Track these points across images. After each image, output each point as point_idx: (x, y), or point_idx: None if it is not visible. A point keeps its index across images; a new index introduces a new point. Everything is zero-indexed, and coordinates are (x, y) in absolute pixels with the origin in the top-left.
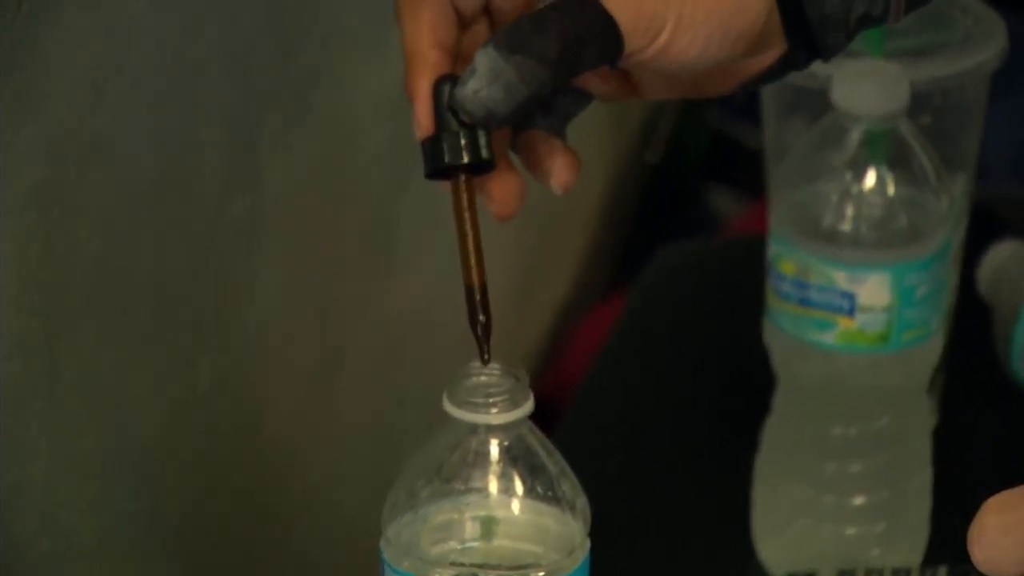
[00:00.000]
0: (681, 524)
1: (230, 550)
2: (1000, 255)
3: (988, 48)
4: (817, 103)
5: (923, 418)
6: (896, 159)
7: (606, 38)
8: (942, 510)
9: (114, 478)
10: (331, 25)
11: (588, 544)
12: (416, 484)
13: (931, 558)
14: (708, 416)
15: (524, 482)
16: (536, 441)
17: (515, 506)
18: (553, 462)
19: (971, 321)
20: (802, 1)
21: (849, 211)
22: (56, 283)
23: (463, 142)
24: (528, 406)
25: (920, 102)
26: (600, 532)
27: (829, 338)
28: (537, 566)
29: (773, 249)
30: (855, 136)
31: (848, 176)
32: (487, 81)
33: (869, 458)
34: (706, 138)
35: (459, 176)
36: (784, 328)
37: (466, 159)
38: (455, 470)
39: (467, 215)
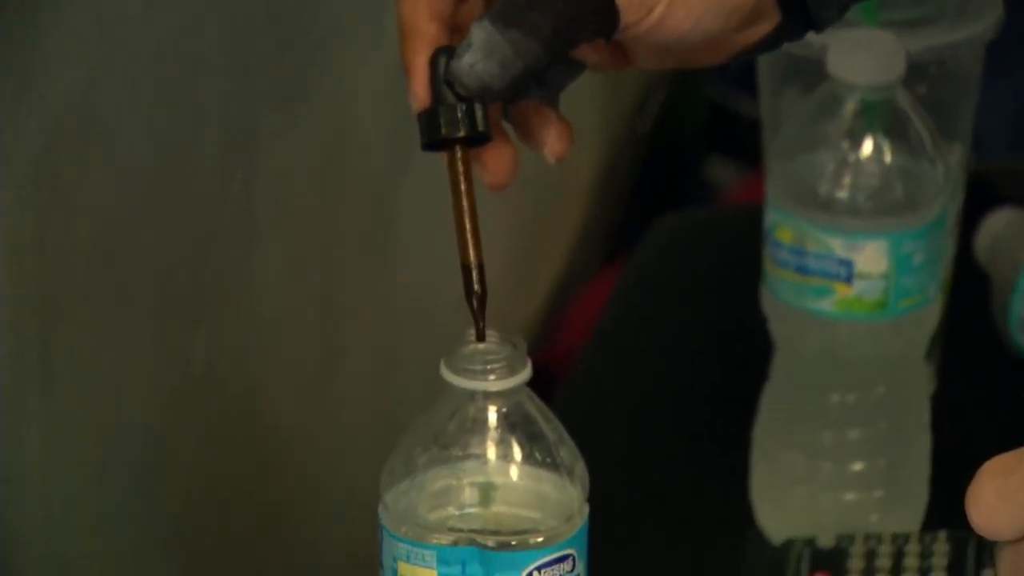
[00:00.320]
0: (680, 492)
1: (229, 532)
2: (997, 224)
3: (984, 18)
4: (813, 73)
5: (921, 385)
6: (892, 128)
7: (602, 13)
8: (940, 476)
9: (111, 466)
10: (328, 20)
11: (586, 510)
12: (414, 451)
13: (930, 524)
14: (706, 385)
15: (522, 448)
16: (534, 408)
17: (513, 472)
18: (551, 428)
19: (969, 289)
20: None
21: (846, 180)
22: (52, 274)
23: (459, 115)
24: (526, 373)
25: (916, 72)
26: (598, 499)
27: (827, 305)
28: (535, 532)
29: (770, 217)
30: (851, 106)
31: (845, 145)
32: (482, 55)
33: (867, 425)
34: (703, 109)
35: (455, 149)
36: (782, 296)
37: (463, 132)
38: (453, 437)
39: (464, 188)
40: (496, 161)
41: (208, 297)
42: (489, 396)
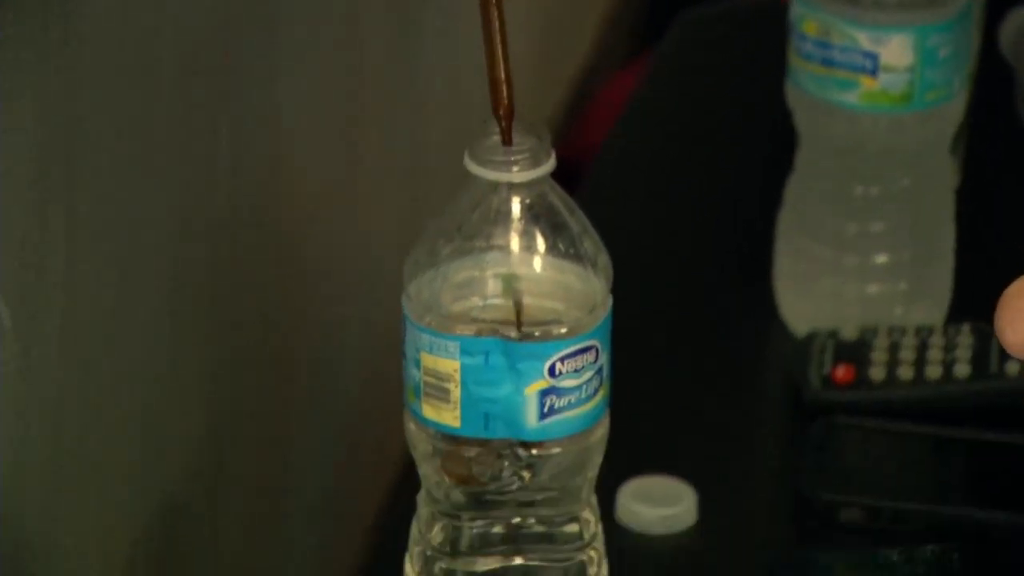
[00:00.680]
0: (703, 285)
1: (253, 310)
2: (1022, 17)
3: None
4: None
5: (945, 178)
6: None
7: None
8: (965, 269)
9: (136, 240)
10: None
11: (610, 302)
12: (438, 242)
13: (954, 317)
14: (730, 177)
15: (546, 239)
16: (558, 199)
17: (537, 263)
18: (575, 220)
19: (993, 82)
20: None
21: None
22: (77, 85)
23: None
24: (550, 164)
25: None
26: (621, 291)
27: (852, 98)
28: (559, 323)
29: (796, 10)
30: None
31: None
32: None
33: (891, 218)
34: None
35: None
36: (807, 88)
37: None
38: (477, 228)
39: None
40: None
41: (230, 99)
42: (513, 187)
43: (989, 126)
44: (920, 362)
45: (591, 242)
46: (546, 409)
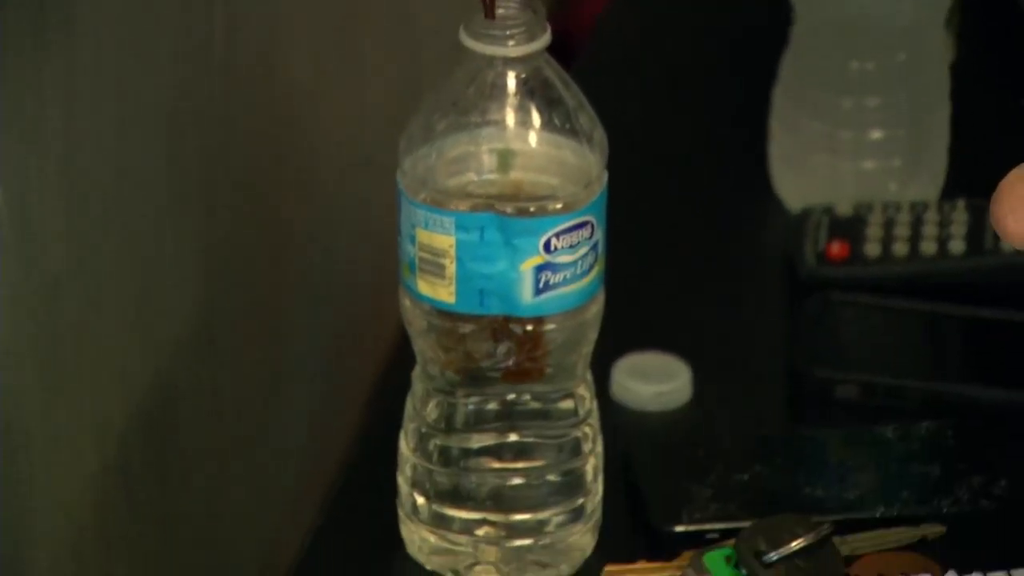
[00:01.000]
0: (698, 160)
1: (249, 185)
2: None
3: None
4: None
5: (941, 54)
6: None
7: None
8: (960, 146)
9: (132, 125)
10: None
11: (605, 177)
12: (433, 118)
13: (948, 193)
14: (726, 52)
15: (541, 114)
16: (553, 74)
17: (532, 138)
18: (571, 95)
19: None
20: None
21: None
22: None
23: None
24: (545, 39)
25: None
26: (616, 167)
27: None
28: (554, 198)
29: None
30: None
31: None
32: None
33: (886, 93)
34: None
35: None
36: None
37: None
38: (472, 103)
39: None
40: None
41: None
42: (508, 62)
43: (984, 2)
44: (915, 238)
45: (587, 117)
46: (541, 285)
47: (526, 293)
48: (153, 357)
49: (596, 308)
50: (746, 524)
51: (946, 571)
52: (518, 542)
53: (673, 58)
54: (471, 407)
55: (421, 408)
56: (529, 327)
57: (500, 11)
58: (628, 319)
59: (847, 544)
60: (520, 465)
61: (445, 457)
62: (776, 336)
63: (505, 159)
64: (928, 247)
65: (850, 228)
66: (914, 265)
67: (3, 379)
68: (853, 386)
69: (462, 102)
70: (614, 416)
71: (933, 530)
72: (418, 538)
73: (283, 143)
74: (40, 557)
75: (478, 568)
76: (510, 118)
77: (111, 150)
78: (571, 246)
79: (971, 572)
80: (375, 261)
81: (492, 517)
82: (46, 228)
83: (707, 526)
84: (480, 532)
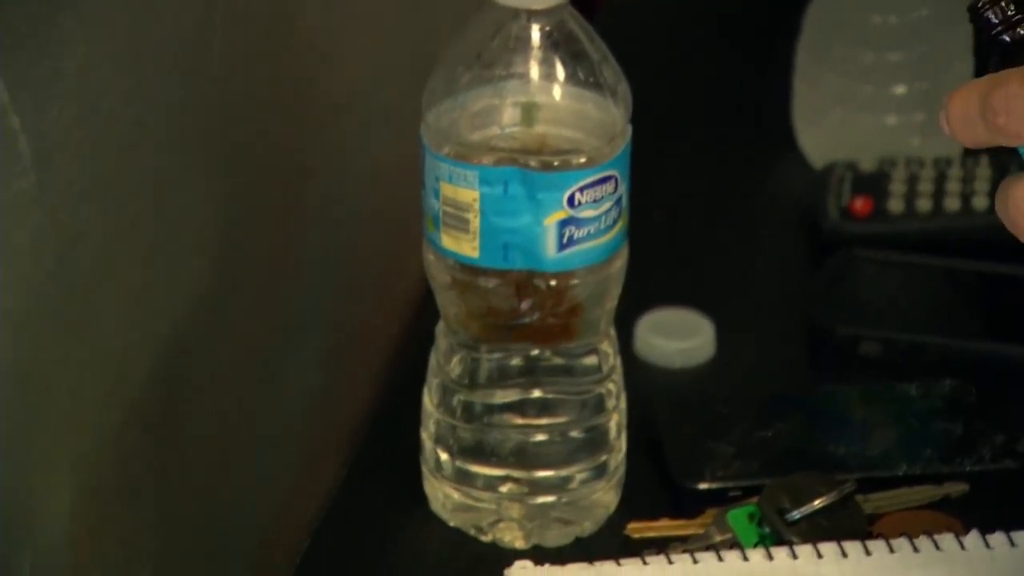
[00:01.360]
0: (722, 115)
1: (265, 141)
2: None
3: None
4: None
5: (963, 7)
6: None
7: None
8: None
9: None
10: None
11: (629, 131)
12: (456, 70)
13: (972, 148)
14: (750, 3)
15: (565, 68)
16: (578, 27)
17: (556, 92)
18: (595, 48)
19: None
20: None
21: None
22: None
23: None
24: None
25: None
26: (640, 122)
27: None
28: (578, 152)
29: None
30: None
31: None
32: None
33: (909, 48)
34: None
35: None
36: None
37: None
38: (495, 56)
39: None
40: None
41: None
42: (532, 14)
43: None
44: (938, 194)
45: (611, 71)
46: (565, 240)
47: (550, 248)
48: (162, 314)
49: (620, 263)
50: (768, 481)
51: (969, 530)
52: (541, 499)
53: (697, 12)
54: (494, 363)
55: (444, 363)
56: (553, 282)
57: None
58: (651, 275)
59: (870, 502)
60: (543, 421)
61: (468, 413)
62: (799, 292)
63: (529, 113)
64: (952, 203)
65: (873, 184)
66: (937, 221)
67: (12, 339)
68: (875, 343)
69: (486, 55)
70: (637, 373)
71: (956, 488)
72: (441, 494)
73: (303, 98)
74: (36, 544)
75: (501, 525)
76: (534, 71)
77: (127, 99)
78: (595, 200)
79: (994, 530)
80: (401, 216)
81: (515, 473)
82: (63, 177)
83: (730, 483)
84: (503, 489)
